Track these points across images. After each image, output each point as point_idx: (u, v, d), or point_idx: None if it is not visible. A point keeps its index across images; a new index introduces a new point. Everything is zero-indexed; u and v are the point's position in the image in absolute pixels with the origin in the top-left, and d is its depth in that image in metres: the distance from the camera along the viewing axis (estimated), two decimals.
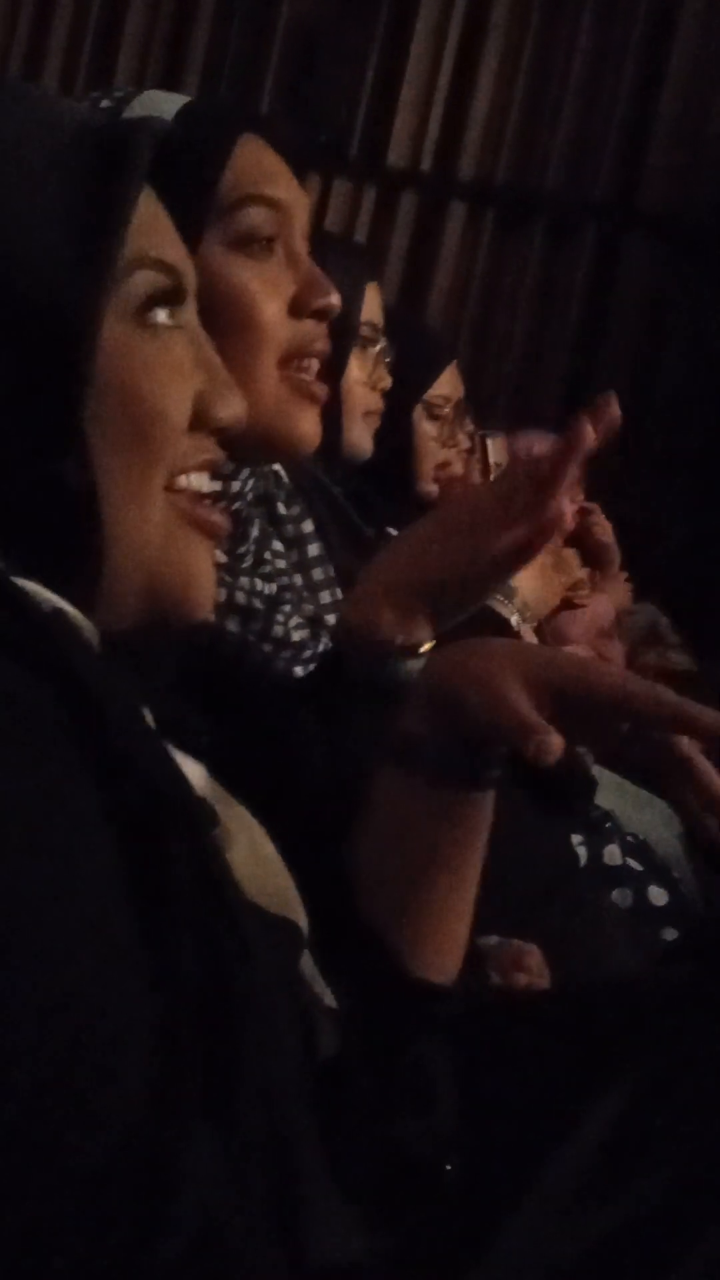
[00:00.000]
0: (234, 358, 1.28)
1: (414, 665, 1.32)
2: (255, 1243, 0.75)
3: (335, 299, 1.35)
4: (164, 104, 1.34)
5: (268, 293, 1.31)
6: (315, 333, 1.36)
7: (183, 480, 0.96)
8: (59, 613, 0.85)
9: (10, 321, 0.87)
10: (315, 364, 1.37)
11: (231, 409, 0.98)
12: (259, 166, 1.33)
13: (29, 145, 0.92)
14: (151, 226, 0.96)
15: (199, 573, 0.97)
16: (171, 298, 0.96)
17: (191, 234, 1.28)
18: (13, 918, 0.69)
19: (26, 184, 0.90)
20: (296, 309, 1.33)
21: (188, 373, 0.96)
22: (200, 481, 0.98)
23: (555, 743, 1.02)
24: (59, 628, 0.83)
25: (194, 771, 0.98)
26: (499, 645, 1.13)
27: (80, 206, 0.90)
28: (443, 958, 1.15)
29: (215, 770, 1.03)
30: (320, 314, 1.35)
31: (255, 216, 1.30)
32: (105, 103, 1.35)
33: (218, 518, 0.98)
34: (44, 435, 0.88)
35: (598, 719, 1.07)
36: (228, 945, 0.81)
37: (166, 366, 0.94)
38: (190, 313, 0.99)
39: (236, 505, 1.38)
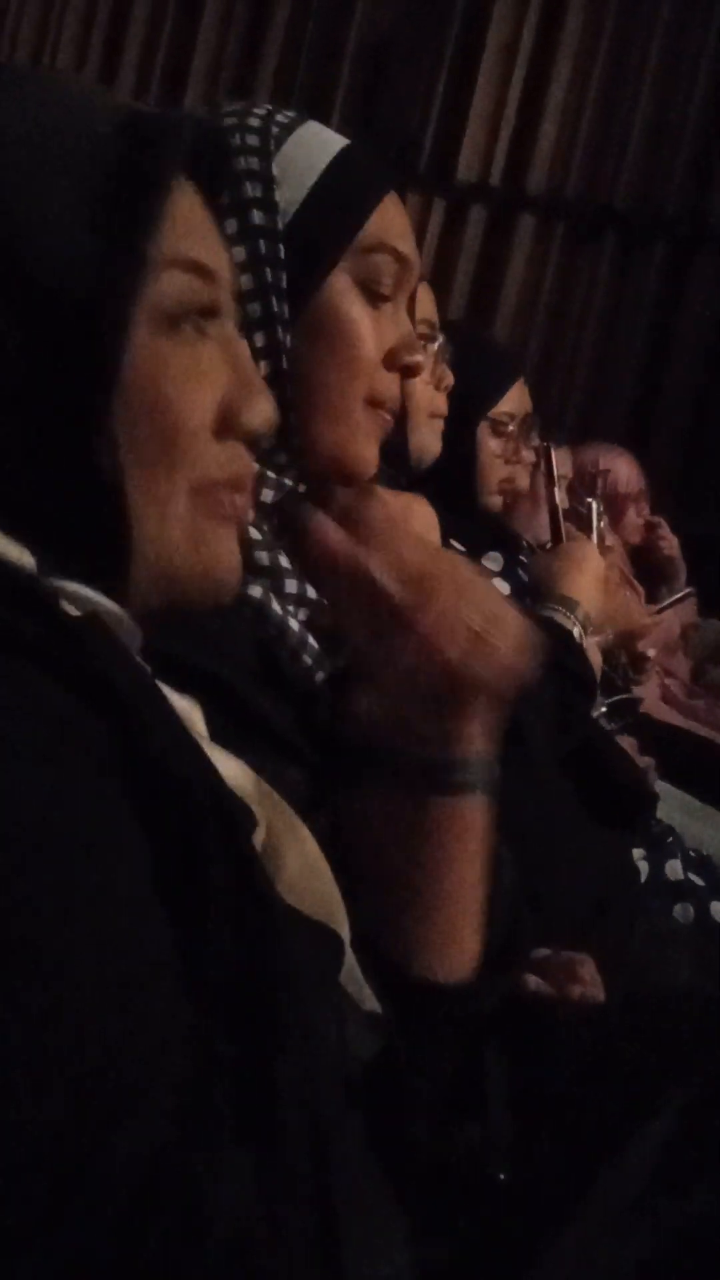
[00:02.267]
0: (329, 384, 1.33)
1: None
2: (292, 1265, 0.74)
3: (422, 360, 1.41)
4: (325, 141, 1.37)
5: (374, 334, 1.37)
6: (396, 384, 1.41)
7: (216, 490, 0.95)
8: (95, 616, 0.85)
9: (39, 317, 0.86)
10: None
11: (259, 414, 0.97)
12: (395, 221, 1.39)
13: (66, 135, 0.90)
14: (188, 227, 0.94)
15: (216, 561, 0.96)
16: (203, 309, 0.94)
17: (323, 270, 1.31)
18: (42, 937, 0.69)
19: (59, 176, 0.88)
20: (389, 360, 1.39)
21: (213, 378, 0.95)
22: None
23: None
24: (93, 633, 0.82)
25: (239, 774, 0.97)
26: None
27: (111, 202, 0.88)
28: (447, 958, 1.11)
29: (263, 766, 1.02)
30: (408, 370, 1.40)
31: (384, 265, 1.36)
32: (275, 128, 1.37)
33: (240, 501, 0.97)
34: (74, 433, 0.87)
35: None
36: (269, 953, 0.80)
37: (191, 372, 0.93)
38: (226, 321, 0.97)
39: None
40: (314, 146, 1.35)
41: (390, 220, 1.37)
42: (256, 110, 1.38)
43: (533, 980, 1.43)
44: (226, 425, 0.95)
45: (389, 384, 1.39)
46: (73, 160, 0.89)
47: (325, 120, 1.40)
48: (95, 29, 5.39)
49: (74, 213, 0.88)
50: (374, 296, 1.37)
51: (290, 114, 1.39)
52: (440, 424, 2.36)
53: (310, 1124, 0.79)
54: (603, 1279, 0.97)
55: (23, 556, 0.85)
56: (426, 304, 2.32)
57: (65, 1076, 0.67)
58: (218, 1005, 0.76)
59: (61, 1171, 0.67)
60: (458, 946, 1.11)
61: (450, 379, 2.34)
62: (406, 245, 1.38)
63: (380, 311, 1.37)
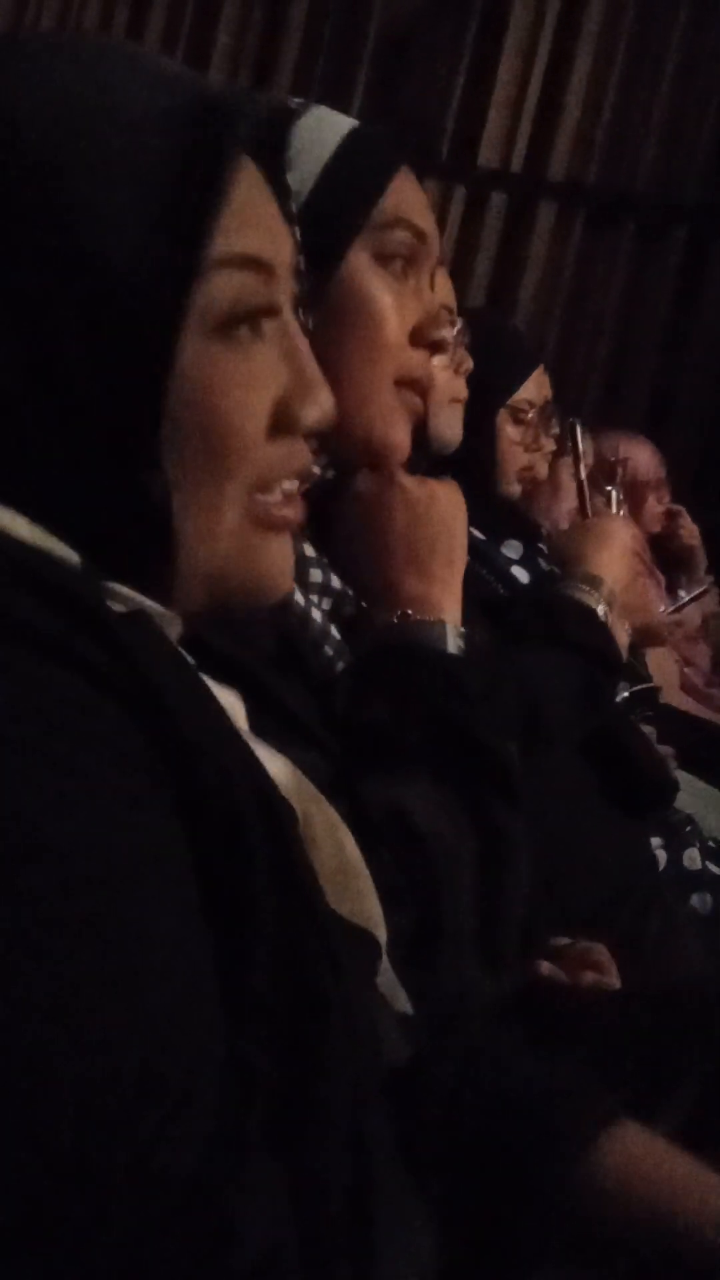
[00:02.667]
0: (355, 364, 1.32)
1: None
2: (322, 1273, 0.73)
3: (450, 334, 1.40)
4: (335, 123, 1.36)
5: (397, 311, 1.36)
6: (426, 362, 1.40)
7: (275, 490, 0.92)
8: (139, 613, 0.83)
9: (84, 318, 0.81)
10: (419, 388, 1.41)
11: (318, 409, 0.92)
12: (411, 196, 1.38)
13: (133, 113, 0.84)
14: (247, 215, 0.88)
15: (268, 569, 0.93)
16: (260, 310, 0.89)
17: (341, 246, 1.31)
18: (76, 948, 0.67)
19: (120, 159, 0.82)
20: (416, 337, 1.38)
21: (268, 380, 0.89)
22: (287, 484, 0.93)
23: None
24: (134, 630, 0.79)
25: (280, 768, 0.95)
26: None
27: (172, 195, 0.83)
28: None
29: (305, 763, 1.01)
30: (435, 346, 1.39)
31: (403, 239, 1.36)
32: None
33: (291, 513, 0.93)
34: (118, 444, 0.83)
35: None
36: (315, 958, 0.79)
37: (244, 378, 0.88)
38: (284, 315, 0.92)
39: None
40: (323, 128, 1.35)
41: (406, 195, 1.36)
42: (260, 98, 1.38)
43: (547, 967, 1.43)
44: (282, 425, 0.91)
45: (418, 362, 1.38)
46: (136, 143, 0.83)
47: (346, 112, 1.40)
48: (114, 27, 5.39)
49: (132, 203, 0.82)
50: (395, 273, 1.36)
51: (297, 100, 1.39)
52: (460, 409, 2.34)
53: (352, 1137, 0.78)
54: (621, 1267, 0.97)
55: (68, 555, 0.83)
56: (445, 290, 2.31)
57: (75, 1082, 0.65)
58: (258, 1015, 0.75)
59: (87, 1194, 0.65)
60: None
61: (470, 364, 2.32)
62: (424, 220, 1.37)
63: (403, 287, 1.36)
